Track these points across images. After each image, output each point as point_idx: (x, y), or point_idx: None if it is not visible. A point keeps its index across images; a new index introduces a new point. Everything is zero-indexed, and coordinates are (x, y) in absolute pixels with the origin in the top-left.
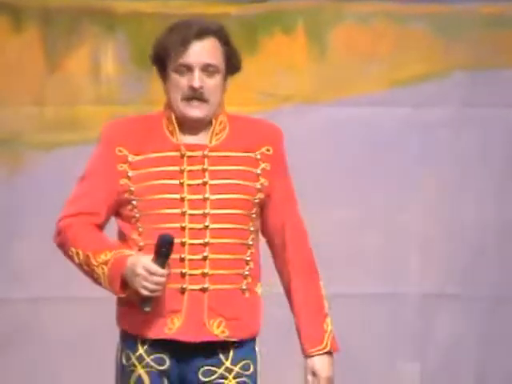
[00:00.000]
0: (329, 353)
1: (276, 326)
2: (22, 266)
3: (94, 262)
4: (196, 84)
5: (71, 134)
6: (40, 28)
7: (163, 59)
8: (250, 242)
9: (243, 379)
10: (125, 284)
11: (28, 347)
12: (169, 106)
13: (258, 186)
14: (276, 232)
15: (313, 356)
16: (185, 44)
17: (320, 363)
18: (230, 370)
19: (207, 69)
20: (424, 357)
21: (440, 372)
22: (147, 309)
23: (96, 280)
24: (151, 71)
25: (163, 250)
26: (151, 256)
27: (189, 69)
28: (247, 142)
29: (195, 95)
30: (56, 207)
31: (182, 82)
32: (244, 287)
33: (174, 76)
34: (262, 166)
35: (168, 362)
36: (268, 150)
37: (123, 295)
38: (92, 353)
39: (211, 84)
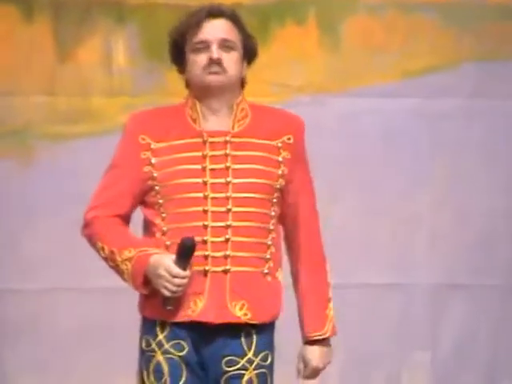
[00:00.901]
0: (325, 342)
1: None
2: (34, 256)
3: (119, 258)
4: (214, 55)
5: (83, 125)
6: (51, 18)
7: (180, 46)
8: (271, 227)
9: (263, 370)
10: (147, 281)
11: (40, 337)
12: (190, 94)
13: (279, 173)
14: (289, 219)
15: (310, 342)
16: (199, 23)
17: (312, 352)
18: (251, 362)
19: (224, 44)
20: (435, 346)
21: (451, 361)
22: (169, 307)
23: (121, 275)
24: (163, 62)
25: (185, 252)
26: (173, 256)
27: (206, 45)
28: (269, 130)
29: (214, 66)
30: (68, 198)
31: (201, 57)
32: (266, 271)
33: (192, 55)
34: (283, 154)
35: (187, 348)
36: (289, 139)
37: (145, 292)
38: (104, 343)
39: (229, 57)
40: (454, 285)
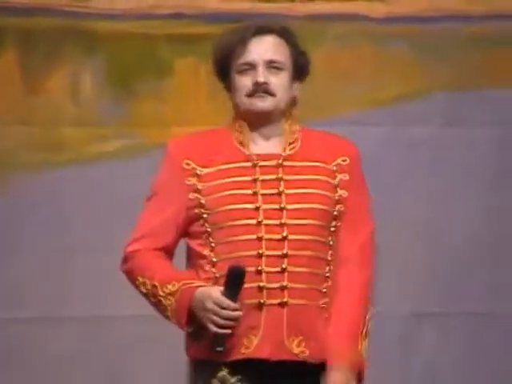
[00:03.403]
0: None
1: None
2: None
3: (161, 293)
4: (260, 79)
5: (51, 155)
6: (20, 49)
7: (225, 66)
8: (329, 258)
9: None
10: (193, 318)
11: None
12: (237, 116)
13: (337, 198)
14: (341, 246)
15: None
16: (244, 42)
17: (333, 378)
18: None
19: (271, 65)
20: (407, 374)
21: None
22: (219, 348)
23: (163, 312)
24: (130, 93)
25: (235, 282)
26: (221, 288)
27: (252, 67)
28: (322, 153)
29: (260, 90)
30: (46, 228)
31: (246, 80)
32: (322, 305)
33: (237, 77)
34: (340, 176)
35: None
36: (344, 161)
37: (189, 330)
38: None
39: (277, 81)
40: (425, 313)
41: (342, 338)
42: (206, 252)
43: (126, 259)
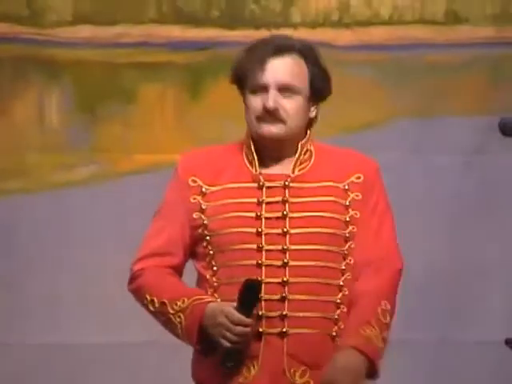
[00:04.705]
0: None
1: None
2: None
3: (171, 310)
4: (269, 104)
5: (19, 181)
6: None
7: (242, 81)
8: (342, 283)
9: None
10: (204, 335)
11: None
12: (249, 134)
13: (347, 219)
14: (359, 267)
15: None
16: (261, 62)
17: (341, 356)
18: None
19: (284, 89)
20: None
21: None
22: (229, 364)
23: (173, 331)
24: (95, 118)
25: (249, 297)
26: (234, 304)
27: (264, 88)
28: (334, 172)
29: (268, 116)
30: (3, 256)
31: (257, 102)
32: (334, 333)
33: (250, 97)
34: (352, 196)
35: None
36: (358, 178)
37: (200, 347)
38: None
39: (288, 106)
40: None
41: (346, 328)
42: (208, 275)
43: (133, 278)
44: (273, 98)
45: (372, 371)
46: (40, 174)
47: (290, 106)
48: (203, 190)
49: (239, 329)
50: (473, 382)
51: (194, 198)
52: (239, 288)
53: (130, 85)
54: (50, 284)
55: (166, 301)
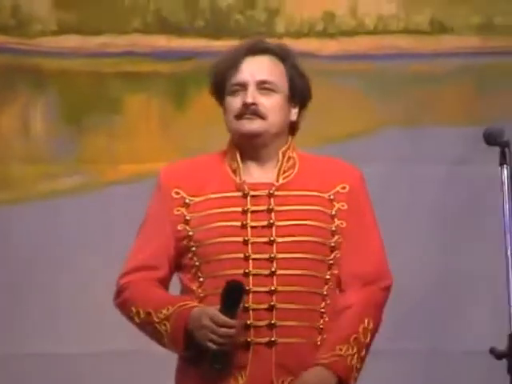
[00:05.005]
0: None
1: None
2: None
3: (156, 319)
4: (248, 100)
5: (1, 192)
6: None
7: (220, 87)
8: (325, 293)
9: None
10: (190, 341)
11: None
12: (231, 142)
13: (333, 229)
14: (346, 277)
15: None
16: (236, 63)
17: (308, 373)
18: None
19: (263, 86)
20: None
21: None
22: (217, 366)
23: (159, 340)
24: (81, 129)
25: (232, 298)
26: (218, 306)
27: (242, 87)
28: (319, 182)
29: (248, 111)
30: None
31: (235, 101)
32: (319, 343)
33: (228, 98)
34: (337, 206)
35: None
36: (343, 188)
37: (187, 354)
38: None
39: (268, 102)
40: (374, 351)
41: (325, 341)
42: (194, 287)
43: (119, 292)
44: (251, 94)
45: None
46: (25, 185)
47: (270, 102)
48: (186, 201)
49: (224, 330)
50: None
51: (178, 210)
52: (221, 290)
53: (116, 94)
54: (38, 294)
55: (151, 310)
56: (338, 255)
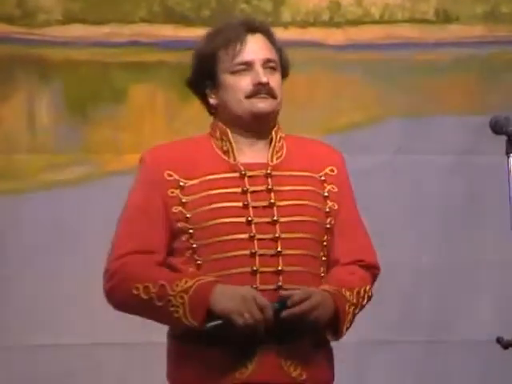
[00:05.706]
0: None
1: None
2: None
3: (171, 292)
4: (264, 79)
5: (7, 182)
6: None
7: (210, 67)
8: (322, 274)
9: None
10: (209, 315)
11: None
12: (218, 124)
13: (327, 210)
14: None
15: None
16: (240, 40)
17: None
18: None
19: (268, 64)
20: None
21: None
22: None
23: (170, 316)
24: (86, 119)
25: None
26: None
27: (248, 66)
28: (309, 162)
29: (263, 91)
30: None
31: (244, 81)
32: None
33: (231, 78)
34: (328, 187)
35: None
36: (332, 171)
37: (204, 328)
38: None
39: (275, 81)
40: (377, 341)
41: (332, 275)
42: (190, 270)
43: (112, 275)
44: (264, 73)
45: (336, 330)
46: (30, 175)
47: (276, 81)
48: (181, 183)
49: (259, 316)
50: (461, 382)
51: (172, 192)
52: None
53: (121, 84)
54: (41, 284)
55: (164, 283)
56: (329, 238)
